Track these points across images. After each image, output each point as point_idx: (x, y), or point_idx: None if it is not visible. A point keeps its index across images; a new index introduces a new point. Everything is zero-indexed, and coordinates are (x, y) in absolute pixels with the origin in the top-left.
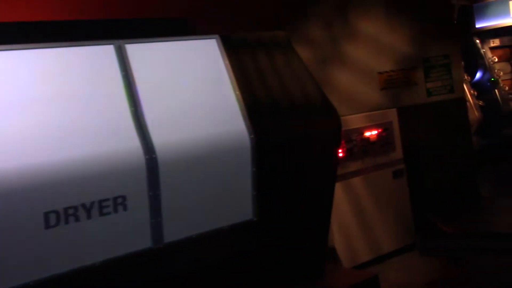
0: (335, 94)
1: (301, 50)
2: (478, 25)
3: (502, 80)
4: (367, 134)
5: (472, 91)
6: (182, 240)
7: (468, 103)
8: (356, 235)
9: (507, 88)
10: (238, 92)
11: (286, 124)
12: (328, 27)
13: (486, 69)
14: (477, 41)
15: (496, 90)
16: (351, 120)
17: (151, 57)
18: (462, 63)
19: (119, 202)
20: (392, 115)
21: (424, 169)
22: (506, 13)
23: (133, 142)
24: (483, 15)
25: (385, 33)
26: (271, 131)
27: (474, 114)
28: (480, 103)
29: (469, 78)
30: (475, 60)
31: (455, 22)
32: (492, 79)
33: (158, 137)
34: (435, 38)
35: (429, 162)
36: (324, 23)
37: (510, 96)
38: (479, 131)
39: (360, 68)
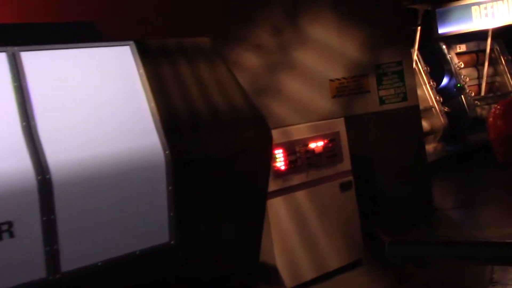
0: (284, 103)
1: (249, 57)
2: (440, 31)
3: (469, 86)
4: (312, 145)
5: (438, 97)
6: (84, 268)
7: (433, 109)
8: (300, 252)
9: (473, 94)
10: (153, 104)
11: (207, 138)
12: (277, 33)
13: (453, 75)
14: (444, 46)
15: (462, 96)
16: (295, 131)
17: (50, 66)
18: (428, 69)
19: (4, 229)
20: (339, 125)
21: (375, 180)
22: (468, 18)
23: (23, 161)
24: (445, 20)
25: (337, 39)
26: (190, 146)
27: (440, 120)
28: (446, 109)
29: (434, 84)
30: (441, 66)
31: (419, 27)
32: (459, 85)
33: (53, 156)
34: (387, 44)
35: (381, 172)
36: (273, 28)
37: (476, 102)
38: (445, 137)
39: (311, 75)
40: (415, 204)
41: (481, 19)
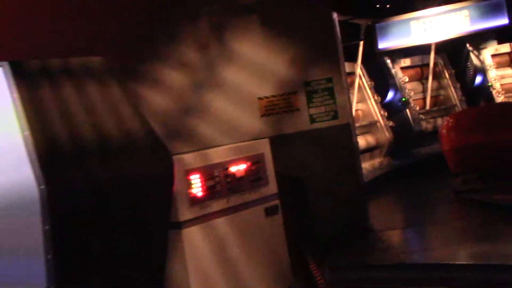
0: (211, 122)
1: (172, 75)
2: (381, 46)
3: (414, 100)
4: (233, 168)
5: (382, 112)
6: None
7: (378, 124)
8: (221, 284)
9: (418, 108)
10: (27, 132)
11: (94, 168)
12: (203, 49)
13: (397, 89)
14: (388, 61)
15: (407, 110)
16: (215, 154)
17: None
18: (373, 83)
19: None
20: (263, 146)
21: (307, 202)
22: (407, 33)
23: None
24: (385, 35)
25: (265, 56)
26: (71, 178)
27: (385, 135)
28: (391, 123)
29: (379, 98)
30: (386, 80)
31: (363, 41)
32: (403, 99)
33: None
34: (317, 60)
35: (313, 193)
36: (198, 45)
37: (421, 116)
38: (391, 151)
39: (238, 93)
40: (349, 226)
41: (420, 33)
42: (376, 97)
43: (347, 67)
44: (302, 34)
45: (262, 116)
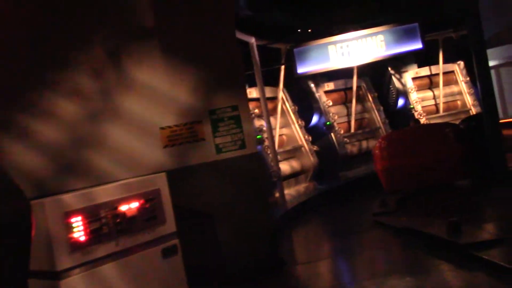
0: (108, 155)
1: (65, 104)
2: (300, 70)
3: (338, 124)
4: (124, 207)
5: (306, 136)
6: None
7: (303, 149)
8: None
9: (342, 131)
10: None
11: None
12: (99, 76)
13: (322, 113)
14: (312, 85)
15: (332, 134)
16: (101, 192)
17: None
18: (296, 107)
19: None
20: (159, 181)
21: (215, 237)
22: (325, 58)
23: None
24: (304, 59)
25: (167, 83)
26: None
27: (310, 159)
28: (315, 148)
29: (303, 123)
30: (310, 104)
31: (285, 66)
32: (328, 123)
33: None
34: (222, 87)
35: (221, 227)
36: (93, 72)
37: (346, 139)
38: (316, 176)
39: (138, 124)
40: (259, 261)
41: (338, 58)
42: (300, 122)
43: (270, 92)
44: (205, 60)
45: (164, 147)
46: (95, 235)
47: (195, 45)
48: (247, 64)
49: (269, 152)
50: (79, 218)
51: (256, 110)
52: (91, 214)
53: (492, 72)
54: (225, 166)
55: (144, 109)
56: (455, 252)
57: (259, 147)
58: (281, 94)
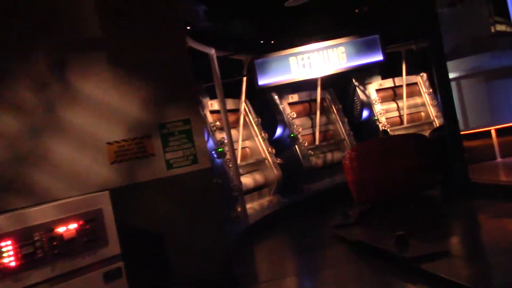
0: (51, 172)
1: (4, 118)
2: (261, 82)
3: (303, 136)
4: (61, 229)
5: (270, 149)
6: None
7: (266, 161)
8: None
9: (306, 143)
10: None
11: None
12: (42, 89)
13: (286, 125)
14: (275, 97)
15: (296, 146)
16: (35, 214)
17: None
18: (260, 120)
19: None
20: (102, 200)
21: (165, 258)
22: (287, 69)
23: None
24: (265, 71)
25: (115, 96)
26: None
27: (274, 172)
28: (279, 160)
29: (266, 135)
30: (274, 116)
31: (247, 77)
32: (292, 135)
33: None
34: (173, 100)
35: (173, 248)
36: (36, 84)
37: (310, 151)
38: (280, 189)
39: (84, 138)
40: (211, 281)
41: (300, 69)
42: (263, 134)
43: (233, 104)
44: (155, 72)
45: (112, 163)
46: (28, 260)
47: (145, 57)
48: (208, 75)
49: (230, 165)
50: (9, 242)
51: (218, 123)
52: (23, 238)
53: (453, 84)
54: (176, 182)
55: (90, 123)
56: (402, 266)
57: (219, 160)
58: (243, 106)
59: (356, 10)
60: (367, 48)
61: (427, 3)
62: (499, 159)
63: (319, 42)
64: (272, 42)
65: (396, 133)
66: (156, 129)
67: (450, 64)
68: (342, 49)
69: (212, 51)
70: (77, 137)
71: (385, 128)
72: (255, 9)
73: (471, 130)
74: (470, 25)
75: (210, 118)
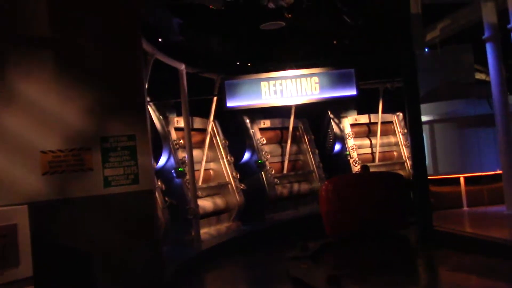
0: None
1: None
2: (229, 104)
3: (270, 163)
4: None
5: (234, 174)
6: None
7: (229, 186)
8: None
9: (273, 171)
10: None
11: None
12: None
13: (254, 150)
14: (247, 120)
15: (262, 173)
16: None
17: None
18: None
19: None
20: (17, 215)
21: (96, 283)
22: (258, 94)
23: None
24: (235, 93)
25: (55, 102)
26: None
27: (236, 198)
28: (242, 186)
29: (232, 159)
30: (243, 140)
31: (215, 97)
32: (259, 161)
33: None
34: (119, 113)
35: (106, 272)
36: None
37: (276, 180)
38: (241, 216)
39: (15, 144)
40: None
41: (270, 95)
42: (229, 158)
43: (201, 123)
44: (103, 80)
45: (44, 174)
46: None
47: (93, 63)
48: (177, 91)
49: (189, 186)
50: None
51: (181, 141)
52: None
53: (426, 127)
54: (113, 202)
55: (24, 128)
56: None
57: (178, 180)
58: (210, 126)
59: (334, 42)
60: (342, 81)
61: (404, 42)
62: (465, 208)
63: (293, 69)
64: (249, 64)
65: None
66: (97, 142)
67: (425, 107)
68: (316, 79)
69: (182, 67)
70: (7, 141)
71: (355, 164)
72: (233, 28)
73: (440, 175)
74: (450, 70)
75: (174, 135)
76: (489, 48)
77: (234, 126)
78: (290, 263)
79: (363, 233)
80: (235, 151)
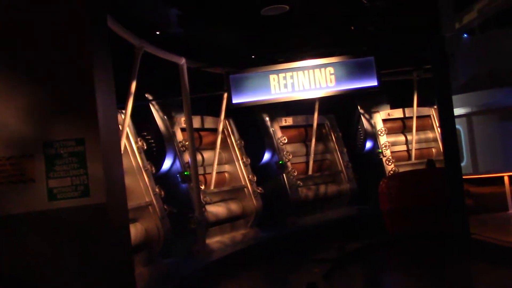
0: None
1: None
2: (235, 100)
3: (294, 164)
4: None
5: (251, 176)
6: None
7: (246, 190)
8: None
9: (296, 172)
10: None
11: None
12: None
13: (275, 150)
14: (266, 118)
15: (284, 175)
16: None
17: None
18: (243, 142)
19: None
20: None
21: None
22: (266, 88)
23: None
24: (241, 88)
25: None
26: None
27: (253, 202)
28: (259, 190)
29: (248, 160)
30: (262, 140)
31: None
32: (280, 162)
33: None
34: (65, 113)
35: None
36: None
37: (299, 182)
38: (259, 222)
39: None
40: None
41: (280, 90)
42: (245, 159)
43: (212, 122)
44: (46, 76)
45: None
46: None
47: (35, 55)
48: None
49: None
50: None
51: (187, 143)
52: None
53: (464, 120)
54: (59, 217)
55: None
56: None
57: (184, 185)
58: (222, 125)
59: (352, 28)
60: (360, 71)
61: (432, 25)
62: (511, 211)
63: (305, 60)
64: (253, 57)
65: (403, 169)
66: (40, 148)
67: (462, 98)
68: (331, 69)
69: (182, 61)
70: None
71: (388, 163)
72: (236, 17)
73: (480, 174)
74: (492, 57)
75: (180, 136)
76: None
77: (253, 124)
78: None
79: (422, 233)
80: (254, 152)
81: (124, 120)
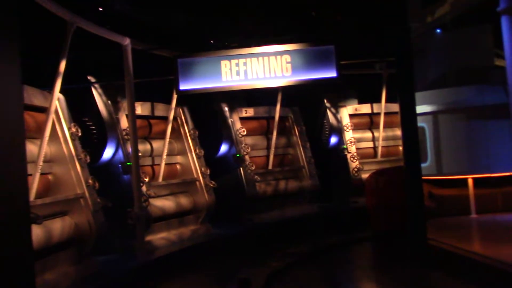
0: None
1: None
2: (182, 87)
3: (254, 158)
4: None
5: (204, 169)
6: None
7: (197, 183)
8: None
9: (254, 167)
10: None
11: None
12: None
13: (233, 142)
14: (225, 108)
15: (241, 169)
16: None
17: None
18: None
19: None
20: None
21: None
22: (217, 75)
23: None
24: (189, 74)
25: None
26: None
27: (204, 197)
28: (212, 184)
29: (201, 152)
30: (219, 131)
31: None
32: (238, 155)
33: None
34: None
35: None
36: None
37: (257, 177)
38: (211, 217)
39: None
40: None
41: (232, 77)
42: (198, 150)
43: (164, 110)
44: None
45: None
46: None
47: None
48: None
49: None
50: None
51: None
52: None
53: (430, 118)
54: None
55: None
56: None
57: (126, 177)
58: (172, 113)
59: (313, 13)
60: (319, 60)
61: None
62: (474, 215)
63: (260, 46)
64: (212, 42)
65: (368, 167)
66: None
67: (428, 94)
68: (287, 58)
69: (126, 41)
70: None
71: (353, 160)
72: None
73: (444, 176)
74: (464, 53)
75: (125, 123)
76: (504, 22)
77: (210, 114)
78: None
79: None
80: (211, 144)
81: (51, 102)
